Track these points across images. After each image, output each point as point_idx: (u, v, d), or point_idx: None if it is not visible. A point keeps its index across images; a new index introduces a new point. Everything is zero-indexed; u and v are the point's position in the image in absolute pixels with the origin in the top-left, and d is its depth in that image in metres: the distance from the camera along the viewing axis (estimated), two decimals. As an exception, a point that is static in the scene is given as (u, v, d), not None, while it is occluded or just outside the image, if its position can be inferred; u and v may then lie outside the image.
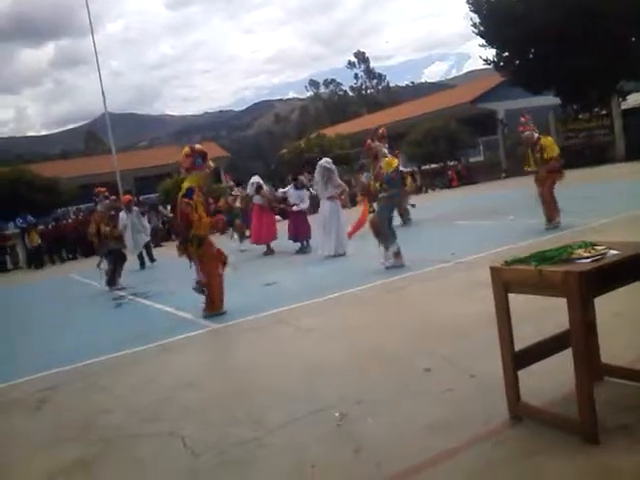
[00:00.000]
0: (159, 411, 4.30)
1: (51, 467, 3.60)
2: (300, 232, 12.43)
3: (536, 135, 10.25)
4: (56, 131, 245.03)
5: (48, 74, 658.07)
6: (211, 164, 7.40)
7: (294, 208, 12.56)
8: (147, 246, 15.30)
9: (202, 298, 7.25)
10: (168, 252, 14.73)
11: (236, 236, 15.76)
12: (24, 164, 35.10)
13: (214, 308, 7.19)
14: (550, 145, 10.07)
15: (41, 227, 23.22)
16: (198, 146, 7.50)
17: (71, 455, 3.73)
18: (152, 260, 15.38)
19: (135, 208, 14.74)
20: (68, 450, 3.82)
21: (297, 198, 12.61)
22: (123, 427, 4.11)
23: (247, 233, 15.29)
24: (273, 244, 13.41)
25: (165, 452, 3.55)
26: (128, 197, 15.54)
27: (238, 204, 15.76)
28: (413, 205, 14.96)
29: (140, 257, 14.84)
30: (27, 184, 26.51)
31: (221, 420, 3.92)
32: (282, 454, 3.27)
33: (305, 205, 12.64)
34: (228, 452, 3.38)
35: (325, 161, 11.30)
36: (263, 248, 13.51)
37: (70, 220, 24.24)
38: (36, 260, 22.16)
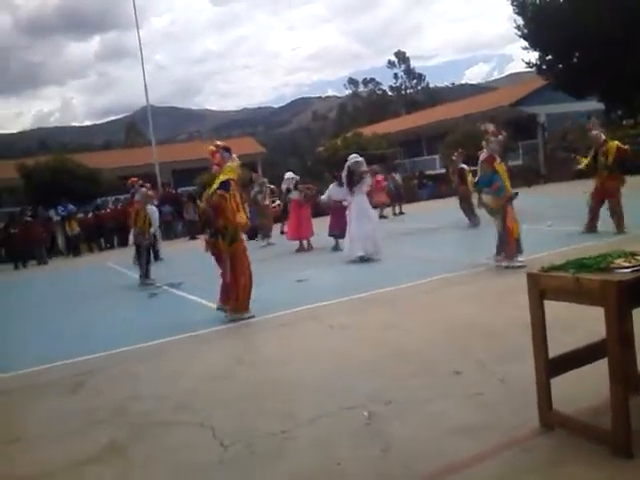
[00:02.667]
0: (190, 400, 4.37)
1: (87, 450, 3.69)
2: (339, 228, 12.30)
3: (603, 137, 10.23)
4: (99, 122, 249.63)
5: (93, 66, 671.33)
6: (235, 157, 7.17)
7: (344, 203, 12.21)
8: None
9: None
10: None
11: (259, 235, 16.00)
12: (68, 153, 35.89)
13: (240, 308, 6.80)
14: (615, 146, 10.15)
15: (80, 216, 23.66)
16: (219, 142, 7.40)
17: (105, 439, 3.82)
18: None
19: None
20: (102, 434, 3.91)
21: (341, 195, 12.41)
22: (155, 414, 4.19)
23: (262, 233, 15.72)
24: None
25: (194, 442, 3.61)
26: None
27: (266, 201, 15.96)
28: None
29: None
30: (69, 173, 27.14)
31: (250, 412, 3.97)
32: (309, 449, 3.30)
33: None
34: (256, 444, 3.42)
35: (352, 158, 10.98)
36: (291, 243, 13.62)
37: (109, 210, 24.63)
38: (75, 248, 22.62)
